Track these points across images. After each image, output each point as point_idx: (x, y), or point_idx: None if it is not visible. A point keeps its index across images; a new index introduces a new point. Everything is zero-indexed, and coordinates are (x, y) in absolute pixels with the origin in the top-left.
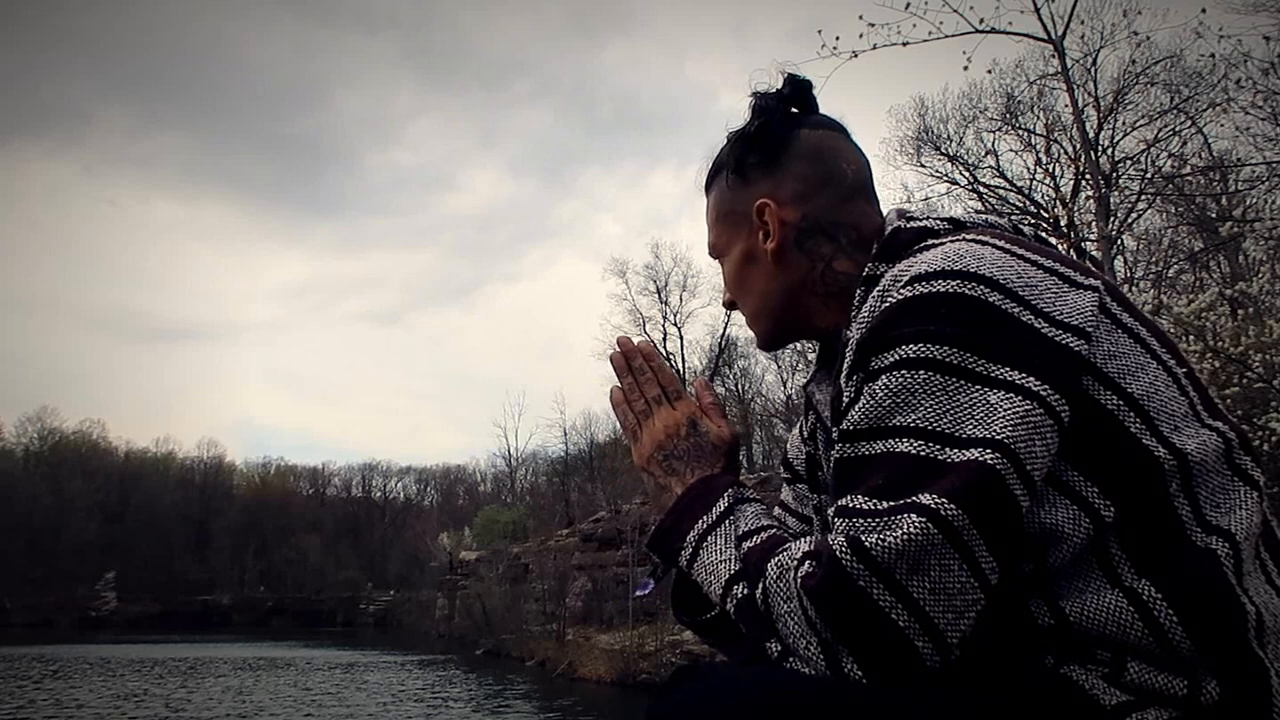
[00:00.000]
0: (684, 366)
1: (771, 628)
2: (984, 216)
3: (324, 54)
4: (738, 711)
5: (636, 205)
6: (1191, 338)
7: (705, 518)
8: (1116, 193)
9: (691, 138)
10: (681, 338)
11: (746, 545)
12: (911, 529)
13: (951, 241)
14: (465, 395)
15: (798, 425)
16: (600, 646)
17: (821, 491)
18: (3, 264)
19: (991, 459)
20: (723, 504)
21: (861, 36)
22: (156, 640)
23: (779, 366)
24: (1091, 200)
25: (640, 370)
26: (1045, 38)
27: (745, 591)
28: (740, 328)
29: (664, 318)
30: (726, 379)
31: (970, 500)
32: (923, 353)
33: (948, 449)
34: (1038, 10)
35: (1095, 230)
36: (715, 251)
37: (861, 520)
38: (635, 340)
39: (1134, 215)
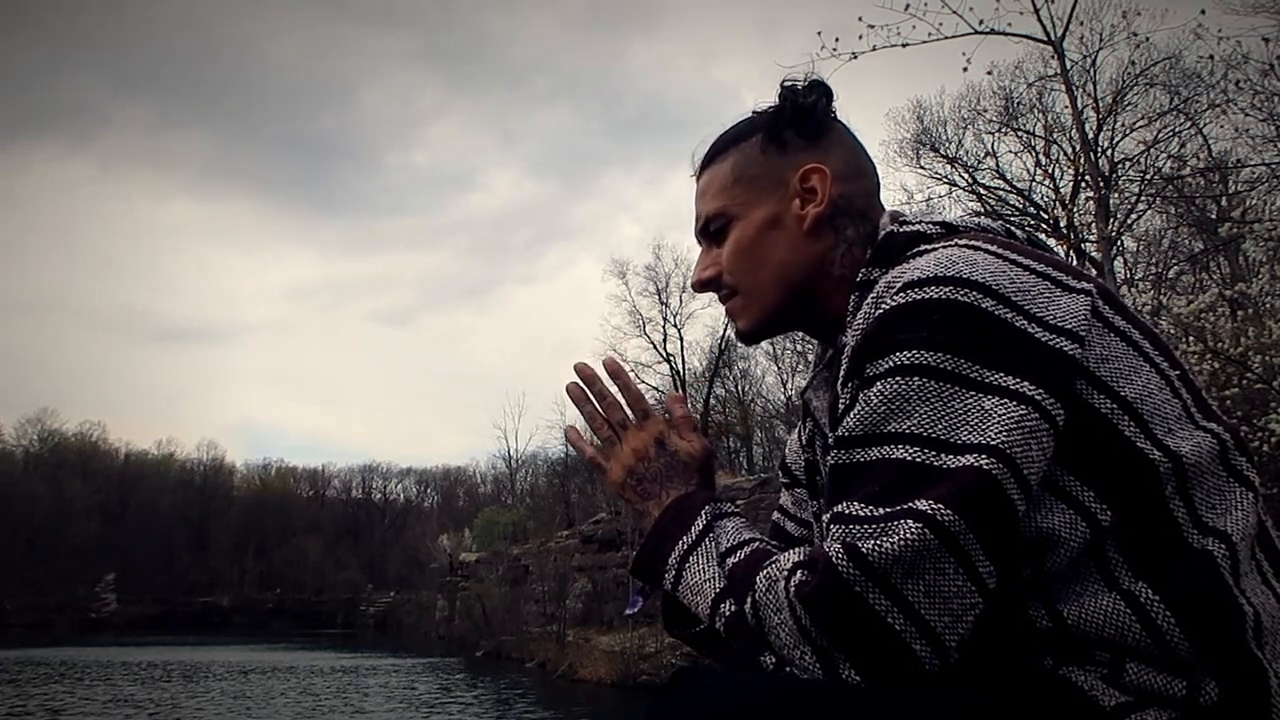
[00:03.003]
0: (684, 368)
1: (764, 641)
2: (977, 220)
3: (346, 52)
4: (738, 713)
5: (656, 206)
6: (1191, 339)
7: (684, 538)
8: (1116, 194)
9: (713, 138)
10: (681, 339)
11: (730, 561)
12: (908, 535)
13: (944, 247)
14: (468, 396)
15: (796, 430)
16: (600, 648)
17: (820, 497)
18: (9, 265)
19: (988, 465)
20: (700, 522)
21: (861, 38)
22: (156, 643)
23: (779, 368)
24: (1091, 201)
25: (602, 395)
26: (1045, 39)
27: (733, 608)
28: None
29: (664, 319)
30: (726, 380)
31: (967, 506)
32: (917, 359)
33: (943, 455)
34: (1037, 12)
35: (1095, 231)
36: (723, 217)
37: (858, 527)
38: (602, 359)
39: (1134, 216)
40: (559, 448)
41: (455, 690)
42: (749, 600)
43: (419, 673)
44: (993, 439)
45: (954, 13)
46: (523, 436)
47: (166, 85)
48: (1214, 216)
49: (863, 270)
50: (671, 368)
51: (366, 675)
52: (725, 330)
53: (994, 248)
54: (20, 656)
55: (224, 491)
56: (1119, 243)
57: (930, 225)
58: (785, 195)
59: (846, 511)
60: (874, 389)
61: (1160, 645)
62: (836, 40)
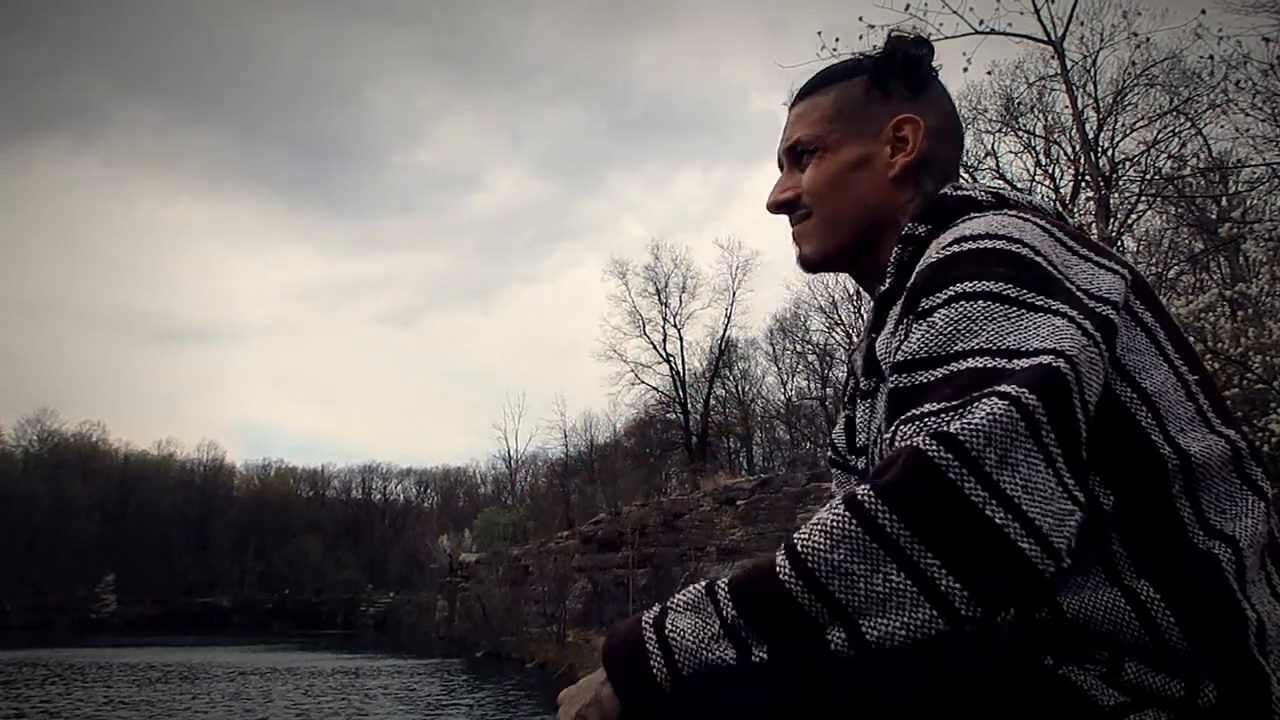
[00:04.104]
0: (684, 368)
1: (818, 615)
2: (1029, 197)
3: (349, 51)
4: (738, 713)
5: (661, 207)
6: (1191, 339)
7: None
8: (1116, 194)
9: (719, 138)
10: (681, 339)
11: (720, 591)
12: (995, 409)
13: (995, 214)
14: (468, 397)
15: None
16: (600, 648)
17: (859, 454)
18: (9, 265)
19: (1059, 364)
20: (649, 613)
21: (861, 38)
22: (155, 643)
23: (779, 369)
24: (1091, 201)
25: None
26: (1045, 39)
27: (747, 637)
28: (741, 329)
29: (664, 319)
30: (726, 380)
31: (1045, 393)
32: (979, 287)
33: (1015, 360)
34: (1037, 12)
35: (1095, 231)
36: (814, 144)
37: (936, 417)
38: None
39: (1134, 216)
40: (559, 448)
41: (457, 692)
42: (785, 569)
43: (420, 674)
44: (1064, 347)
45: (954, 13)
46: (523, 437)
47: (168, 85)
48: (1214, 216)
49: (909, 224)
50: (671, 368)
51: (367, 677)
52: (725, 330)
53: (1043, 222)
54: (19, 658)
55: (224, 492)
56: (1119, 243)
57: (982, 192)
58: (878, 140)
59: (918, 412)
60: (937, 314)
61: (1159, 644)
62: (837, 40)
